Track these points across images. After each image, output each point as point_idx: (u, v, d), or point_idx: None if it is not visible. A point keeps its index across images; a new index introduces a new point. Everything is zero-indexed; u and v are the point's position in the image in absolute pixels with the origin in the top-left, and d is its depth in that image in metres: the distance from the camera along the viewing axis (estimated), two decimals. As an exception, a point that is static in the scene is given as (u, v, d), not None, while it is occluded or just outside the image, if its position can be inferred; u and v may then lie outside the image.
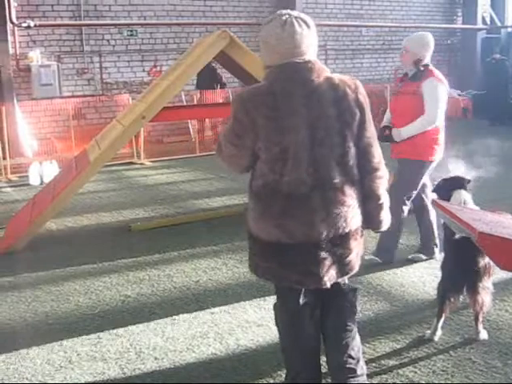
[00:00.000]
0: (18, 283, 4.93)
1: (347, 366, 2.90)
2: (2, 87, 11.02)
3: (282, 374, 3.32)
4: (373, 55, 16.10)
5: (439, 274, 4.33)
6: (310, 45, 2.65)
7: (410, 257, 5.18)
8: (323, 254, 2.66)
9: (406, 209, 4.93)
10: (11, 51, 11.25)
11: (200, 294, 4.61)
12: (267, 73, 2.69)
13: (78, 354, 3.71)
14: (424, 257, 5.15)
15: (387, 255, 5.07)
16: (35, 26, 11.23)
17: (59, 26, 11.87)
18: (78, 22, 12.07)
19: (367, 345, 3.66)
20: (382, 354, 3.56)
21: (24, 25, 11.06)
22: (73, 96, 11.89)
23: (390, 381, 3.29)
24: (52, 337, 3.95)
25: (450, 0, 17.48)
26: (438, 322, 3.70)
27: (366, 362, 3.34)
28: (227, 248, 5.62)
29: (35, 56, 11.53)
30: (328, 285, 2.73)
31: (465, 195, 3.97)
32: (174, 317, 4.20)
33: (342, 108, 2.61)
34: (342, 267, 2.74)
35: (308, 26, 2.65)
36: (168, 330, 4.00)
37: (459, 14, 17.69)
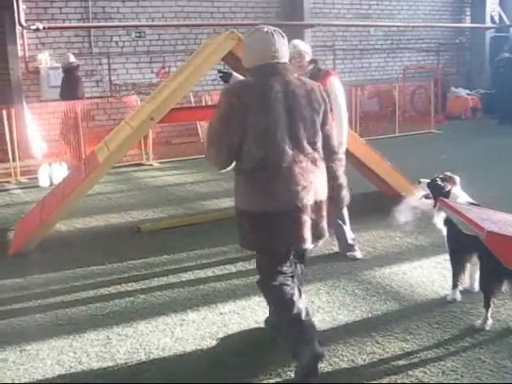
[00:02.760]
0: (27, 284, 4.96)
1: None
2: (11, 89, 11.10)
3: (291, 375, 3.33)
4: (381, 55, 16.07)
5: (448, 274, 4.33)
6: (285, 51, 3.30)
7: (347, 254, 5.28)
8: (305, 218, 3.16)
9: None
10: (20, 54, 11.33)
11: (209, 294, 4.61)
12: (251, 71, 3.26)
13: (87, 355, 3.73)
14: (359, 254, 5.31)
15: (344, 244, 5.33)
16: (44, 28, 11.29)
17: (68, 28, 11.94)
18: (86, 24, 12.14)
19: (377, 345, 3.66)
20: (392, 355, 3.55)
21: (33, 27, 11.13)
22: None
23: (399, 381, 3.28)
24: (62, 338, 3.96)
25: (459, -1, 17.44)
26: (487, 312, 3.82)
27: (375, 362, 3.39)
28: (236, 249, 5.61)
29: (44, 58, 11.61)
30: (309, 246, 3.27)
31: (462, 193, 4.17)
32: (183, 317, 4.21)
33: (311, 99, 3.23)
34: (317, 232, 3.26)
35: (283, 36, 3.30)
36: (177, 331, 4.01)
37: (468, 12, 17.62)
